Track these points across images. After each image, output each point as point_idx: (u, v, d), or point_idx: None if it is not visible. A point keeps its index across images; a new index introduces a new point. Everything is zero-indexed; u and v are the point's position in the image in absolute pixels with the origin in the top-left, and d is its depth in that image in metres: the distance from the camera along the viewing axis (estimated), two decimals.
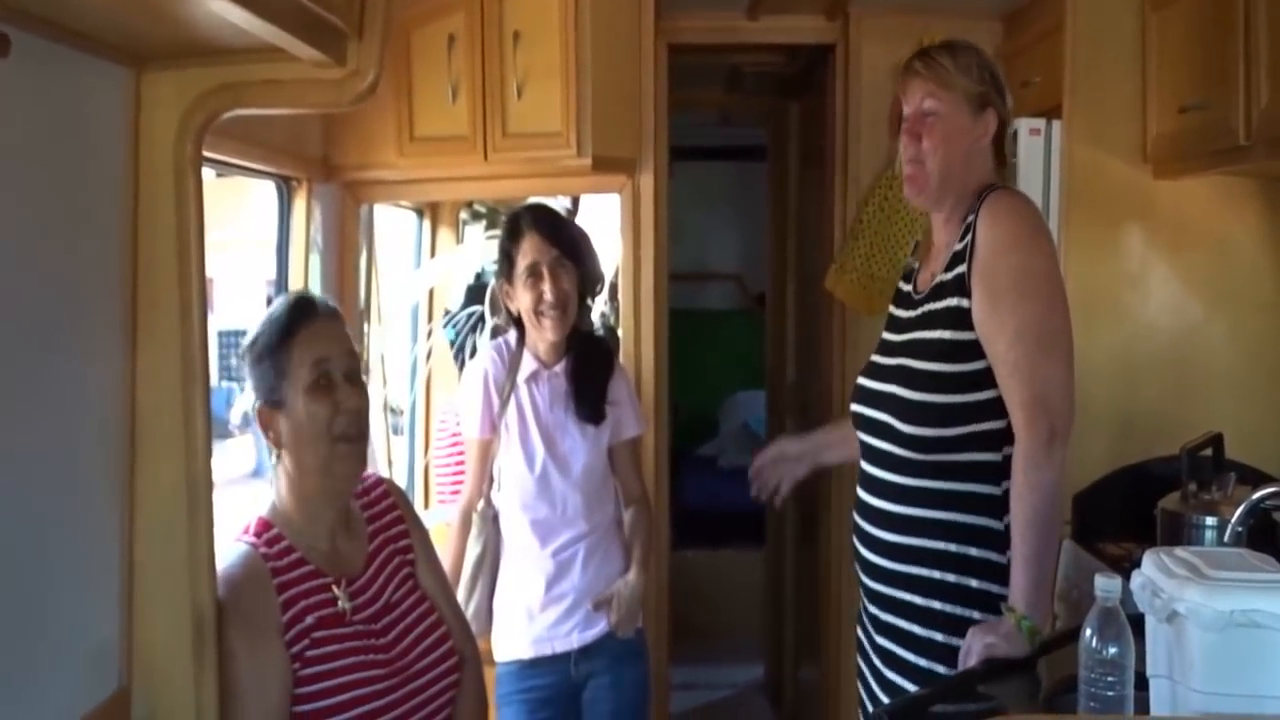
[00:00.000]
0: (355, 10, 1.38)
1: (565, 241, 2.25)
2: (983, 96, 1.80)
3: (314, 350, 1.59)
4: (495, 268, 2.34)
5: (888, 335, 1.90)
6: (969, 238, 1.74)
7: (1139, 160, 2.32)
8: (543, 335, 2.24)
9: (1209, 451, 2.02)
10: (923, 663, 1.73)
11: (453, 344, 3.24)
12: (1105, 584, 1.21)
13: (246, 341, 1.61)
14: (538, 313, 2.21)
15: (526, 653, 2.23)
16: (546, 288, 2.19)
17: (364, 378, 1.70)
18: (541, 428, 2.23)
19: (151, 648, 1.43)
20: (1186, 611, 1.14)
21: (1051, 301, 1.70)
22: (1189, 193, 2.32)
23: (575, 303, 2.25)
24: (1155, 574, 1.21)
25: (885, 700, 1.76)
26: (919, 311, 1.81)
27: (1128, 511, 2.17)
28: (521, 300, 2.22)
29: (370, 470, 1.90)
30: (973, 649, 1.62)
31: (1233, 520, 1.66)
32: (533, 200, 2.74)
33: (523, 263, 2.21)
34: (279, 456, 1.62)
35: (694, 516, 4.92)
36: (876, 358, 1.89)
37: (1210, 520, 1.91)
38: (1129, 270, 2.38)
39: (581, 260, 2.28)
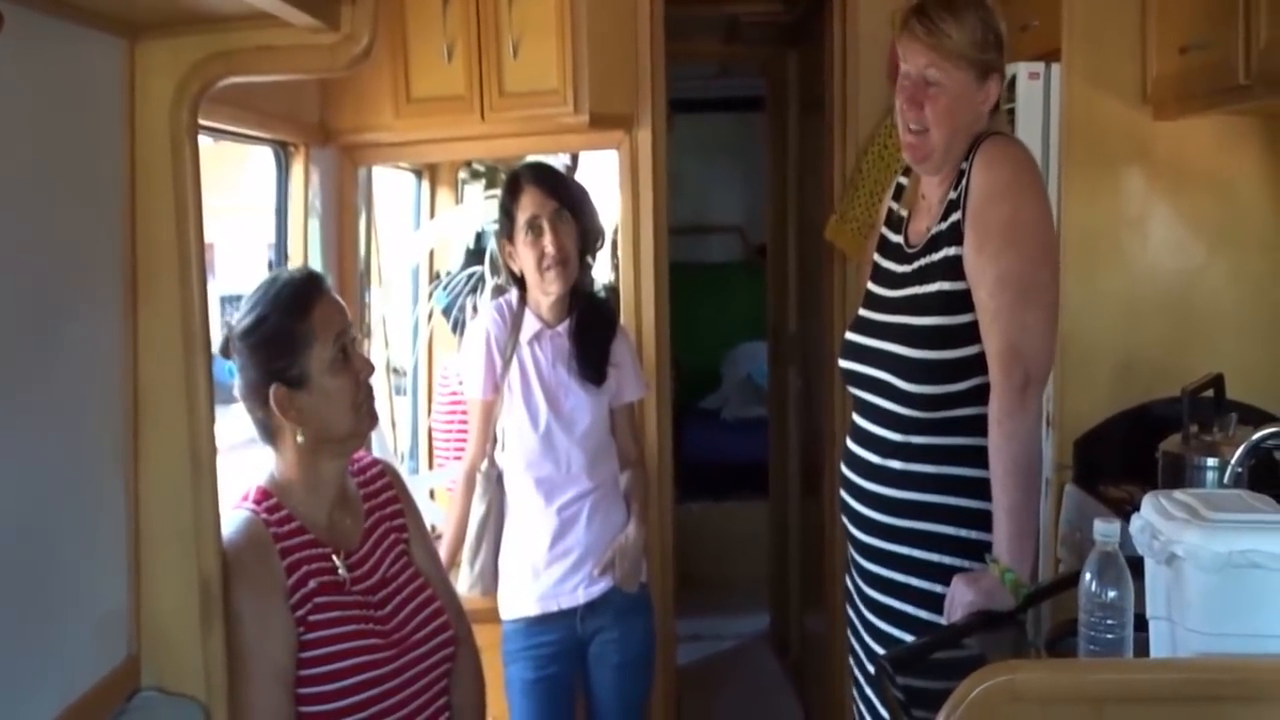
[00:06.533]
0: None
1: (565, 195, 2.24)
2: (987, 64, 1.71)
3: (332, 326, 1.60)
4: (495, 227, 2.33)
5: (877, 289, 1.86)
6: (963, 184, 1.71)
7: (1139, 102, 2.30)
8: (546, 290, 2.23)
9: (1210, 393, 2.03)
10: (911, 610, 1.73)
11: (446, 310, 3.23)
12: (1104, 528, 1.23)
13: (244, 324, 1.58)
14: (540, 268, 2.20)
15: (532, 610, 2.25)
16: (547, 241, 2.19)
17: (365, 340, 1.73)
18: (545, 387, 2.24)
19: (159, 615, 1.44)
20: (1185, 553, 1.16)
21: (1037, 253, 1.67)
22: (1190, 134, 2.30)
23: (577, 257, 2.25)
24: (1154, 517, 1.22)
25: (879, 650, 1.76)
26: (914, 266, 1.78)
27: (1129, 454, 2.17)
28: (523, 256, 2.22)
29: (376, 447, 1.90)
30: (956, 603, 1.62)
31: (1233, 461, 1.67)
32: (532, 158, 2.72)
33: (522, 217, 2.20)
34: (300, 434, 1.59)
35: (698, 469, 4.94)
36: (866, 313, 1.86)
37: (1211, 461, 1.91)
38: (1129, 213, 2.37)
39: (582, 214, 2.26)
